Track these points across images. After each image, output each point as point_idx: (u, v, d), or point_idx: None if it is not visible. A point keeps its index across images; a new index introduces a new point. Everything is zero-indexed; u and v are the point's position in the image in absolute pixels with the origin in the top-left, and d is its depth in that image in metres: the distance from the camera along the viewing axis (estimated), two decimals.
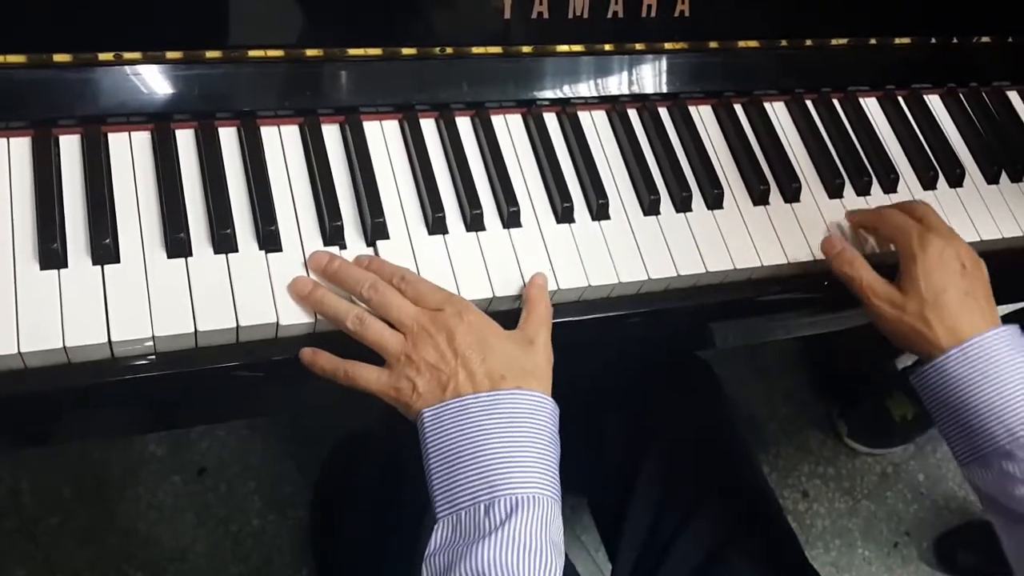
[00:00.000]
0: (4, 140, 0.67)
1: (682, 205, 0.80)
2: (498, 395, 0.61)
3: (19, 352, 0.59)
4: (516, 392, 0.62)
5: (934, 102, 0.95)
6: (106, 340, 0.61)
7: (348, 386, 0.64)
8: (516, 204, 0.75)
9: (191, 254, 0.66)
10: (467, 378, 0.61)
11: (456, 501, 0.58)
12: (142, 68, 0.70)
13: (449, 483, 0.59)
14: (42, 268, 0.62)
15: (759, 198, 0.82)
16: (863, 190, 0.86)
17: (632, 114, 0.83)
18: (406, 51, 0.76)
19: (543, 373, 0.65)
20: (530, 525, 0.56)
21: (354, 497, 0.95)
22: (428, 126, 0.77)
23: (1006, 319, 1.41)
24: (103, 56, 0.68)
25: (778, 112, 0.89)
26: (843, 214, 0.83)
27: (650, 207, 0.78)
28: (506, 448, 0.59)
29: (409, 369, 0.62)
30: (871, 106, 0.93)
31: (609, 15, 0.80)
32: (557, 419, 0.63)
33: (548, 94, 0.81)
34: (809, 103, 0.90)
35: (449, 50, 0.78)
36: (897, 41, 0.93)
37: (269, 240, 0.68)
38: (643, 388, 0.97)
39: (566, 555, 0.84)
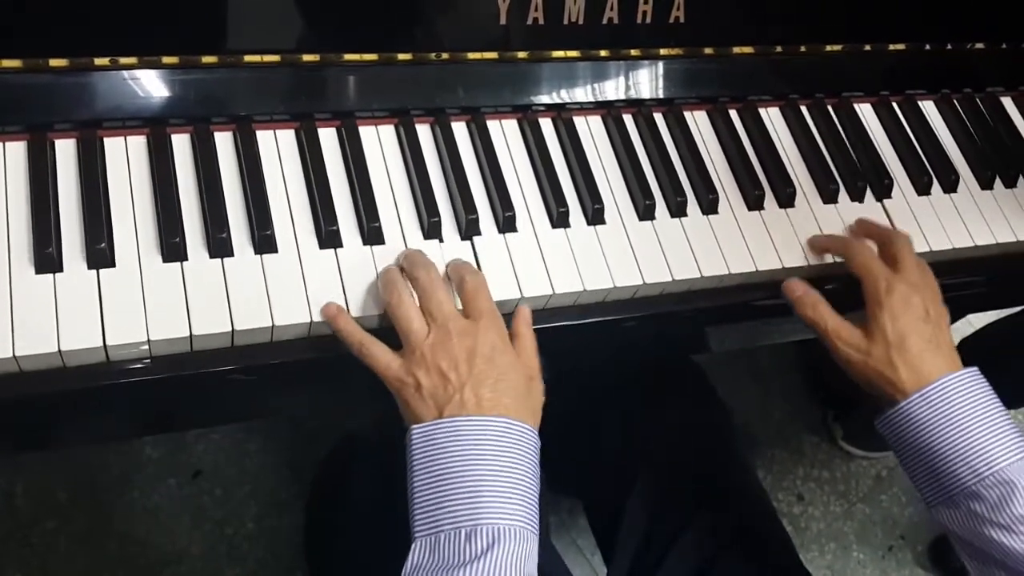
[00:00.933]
0: (0, 144, 0.67)
1: (677, 210, 0.80)
2: (490, 421, 0.61)
3: (14, 356, 0.59)
4: (512, 421, 0.62)
5: (928, 108, 0.96)
6: (101, 344, 0.61)
7: (358, 358, 0.65)
8: (512, 209, 0.75)
9: (187, 258, 0.66)
10: (472, 398, 0.62)
11: (438, 523, 0.58)
12: (138, 72, 0.70)
13: (432, 504, 0.59)
14: (37, 272, 0.63)
15: (754, 203, 0.82)
16: (857, 195, 0.86)
17: (628, 119, 0.84)
18: (402, 56, 0.77)
19: (539, 413, 0.66)
20: (510, 558, 0.57)
21: (351, 499, 0.94)
22: (424, 131, 0.77)
23: (1000, 324, 1.42)
24: (99, 61, 0.68)
25: (773, 117, 0.89)
26: (838, 219, 0.83)
27: (645, 212, 0.79)
28: (493, 477, 0.59)
29: (420, 367, 0.63)
30: (866, 112, 0.93)
31: (604, 21, 0.80)
32: (539, 454, 0.64)
33: (544, 99, 0.81)
34: (804, 108, 0.90)
35: (445, 55, 0.78)
36: (892, 47, 0.93)
37: (264, 244, 0.68)
38: (638, 392, 0.97)
39: (561, 558, 0.85)
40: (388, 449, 0.93)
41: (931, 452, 0.69)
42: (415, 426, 0.61)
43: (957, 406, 0.69)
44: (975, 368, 0.72)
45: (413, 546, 0.59)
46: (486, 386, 0.62)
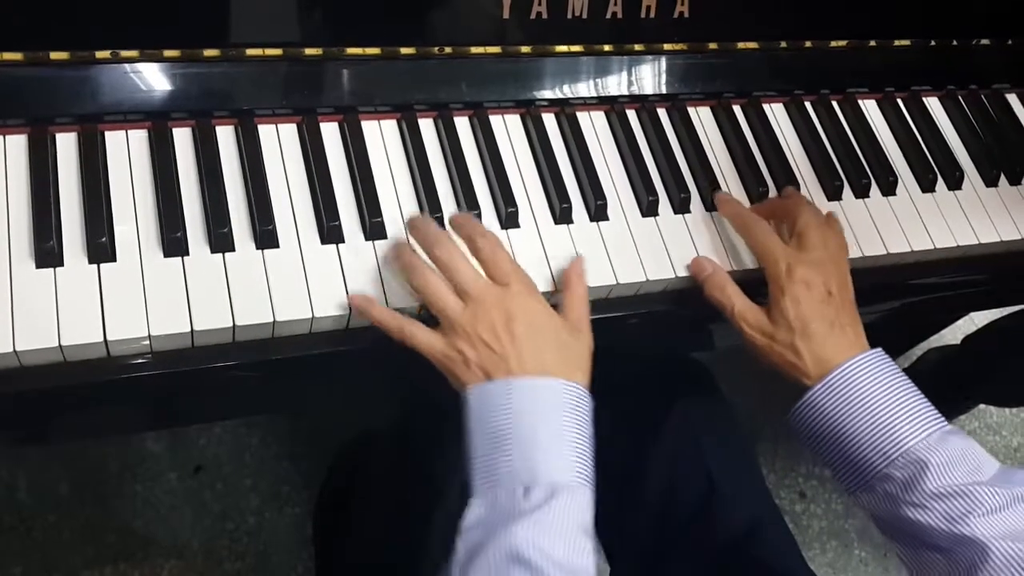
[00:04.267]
0: (0, 138, 0.66)
1: (680, 206, 0.79)
2: (545, 383, 0.63)
3: (15, 350, 0.59)
4: (562, 383, 0.64)
5: (933, 104, 0.95)
6: (102, 339, 0.61)
7: (400, 342, 0.66)
8: (514, 204, 0.75)
9: (187, 253, 0.66)
10: (518, 362, 0.63)
11: (496, 479, 0.60)
12: (139, 66, 0.70)
13: (490, 461, 0.61)
14: (38, 266, 0.62)
15: (757, 199, 0.82)
16: (862, 192, 0.86)
17: (631, 115, 0.83)
18: (405, 51, 0.76)
19: (587, 365, 0.67)
20: (566, 510, 0.59)
21: (362, 497, 0.95)
22: (426, 126, 0.77)
23: (1002, 322, 1.41)
24: (100, 54, 0.68)
25: (777, 114, 0.88)
26: (842, 216, 0.83)
27: (648, 208, 0.78)
28: (548, 435, 0.61)
29: (463, 341, 0.64)
30: (870, 108, 0.92)
31: (608, 16, 0.80)
32: (591, 408, 0.65)
33: (547, 94, 0.81)
34: (808, 105, 0.90)
35: (448, 50, 0.77)
36: (896, 43, 0.93)
37: (266, 239, 0.68)
38: (641, 391, 0.96)
39: None
40: (403, 446, 0.93)
41: (842, 440, 0.68)
42: (471, 387, 0.63)
43: (861, 390, 0.67)
44: (879, 349, 0.70)
45: (471, 502, 0.60)
46: (527, 349, 0.64)
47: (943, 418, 0.67)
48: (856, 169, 0.86)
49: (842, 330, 0.70)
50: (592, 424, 0.65)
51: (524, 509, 0.58)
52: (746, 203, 0.82)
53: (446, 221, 0.72)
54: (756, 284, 0.74)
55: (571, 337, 0.67)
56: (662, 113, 0.84)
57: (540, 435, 0.61)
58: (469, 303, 0.65)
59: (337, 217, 0.70)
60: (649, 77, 0.84)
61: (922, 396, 0.68)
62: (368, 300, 0.67)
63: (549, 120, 0.81)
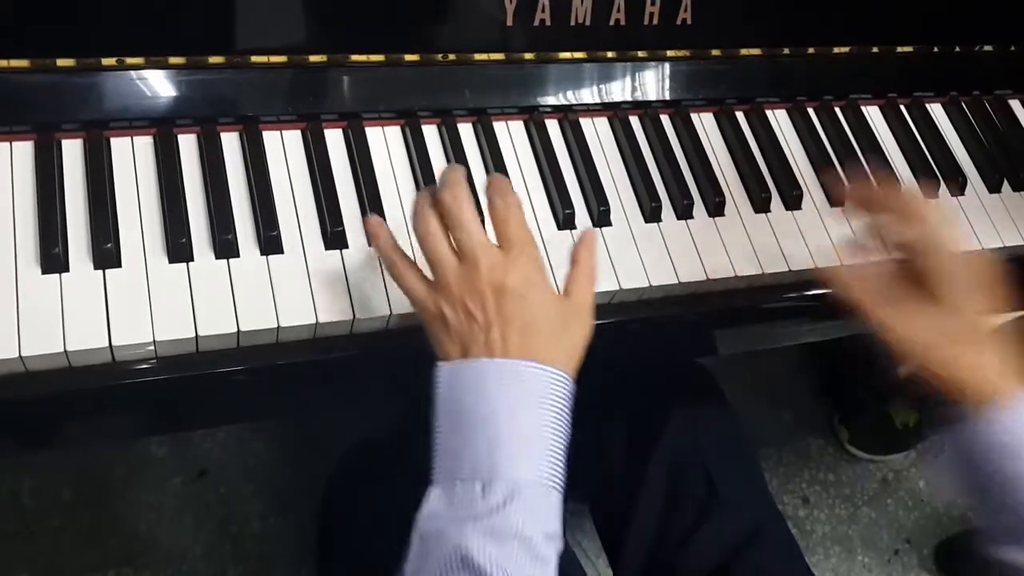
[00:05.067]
0: (7, 144, 0.67)
1: (683, 212, 0.80)
2: (516, 365, 0.57)
3: (20, 356, 0.59)
4: (545, 369, 0.57)
5: (936, 110, 0.95)
6: (107, 344, 0.61)
7: (392, 276, 0.62)
8: None
9: (192, 259, 0.66)
10: (500, 338, 0.57)
11: (456, 470, 0.55)
12: (145, 73, 0.70)
13: (453, 449, 0.56)
14: (44, 272, 0.63)
15: (760, 205, 0.82)
16: None
17: (634, 121, 0.83)
18: (409, 57, 0.77)
19: (579, 353, 0.61)
20: (525, 516, 0.53)
21: (366, 502, 0.94)
22: (430, 132, 0.77)
23: (1012, 325, 1.41)
24: (106, 61, 0.68)
25: (780, 120, 0.89)
26: (844, 222, 0.83)
27: (651, 214, 0.79)
28: (517, 427, 0.55)
29: (446, 301, 0.59)
30: (873, 114, 0.93)
31: (611, 22, 0.80)
32: (572, 401, 0.59)
33: (550, 100, 0.81)
34: (811, 111, 0.90)
35: (451, 56, 0.78)
36: (899, 49, 0.93)
37: (271, 245, 0.68)
38: (644, 395, 0.96)
39: (576, 558, 0.84)
40: (407, 452, 0.93)
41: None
42: (441, 364, 0.58)
43: None
44: None
45: (429, 490, 0.55)
46: (514, 326, 0.57)
47: None
48: (859, 175, 0.86)
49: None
50: (570, 414, 0.58)
51: (479, 510, 0.52)
52: (748, 209, 0.82)
53: None
54: (765, 293, 0.74)
55: (568, 319, 0.60)
56: (665, 119, 0.84)
57: (510, 426, 0.54)
58: (464, 262, 0.59)
59: (341, 223, 0.70)
60: (652, 83, 0.85)
61: None
62: (380, 225, 0.63)
63: (552, 126, 0.81)
